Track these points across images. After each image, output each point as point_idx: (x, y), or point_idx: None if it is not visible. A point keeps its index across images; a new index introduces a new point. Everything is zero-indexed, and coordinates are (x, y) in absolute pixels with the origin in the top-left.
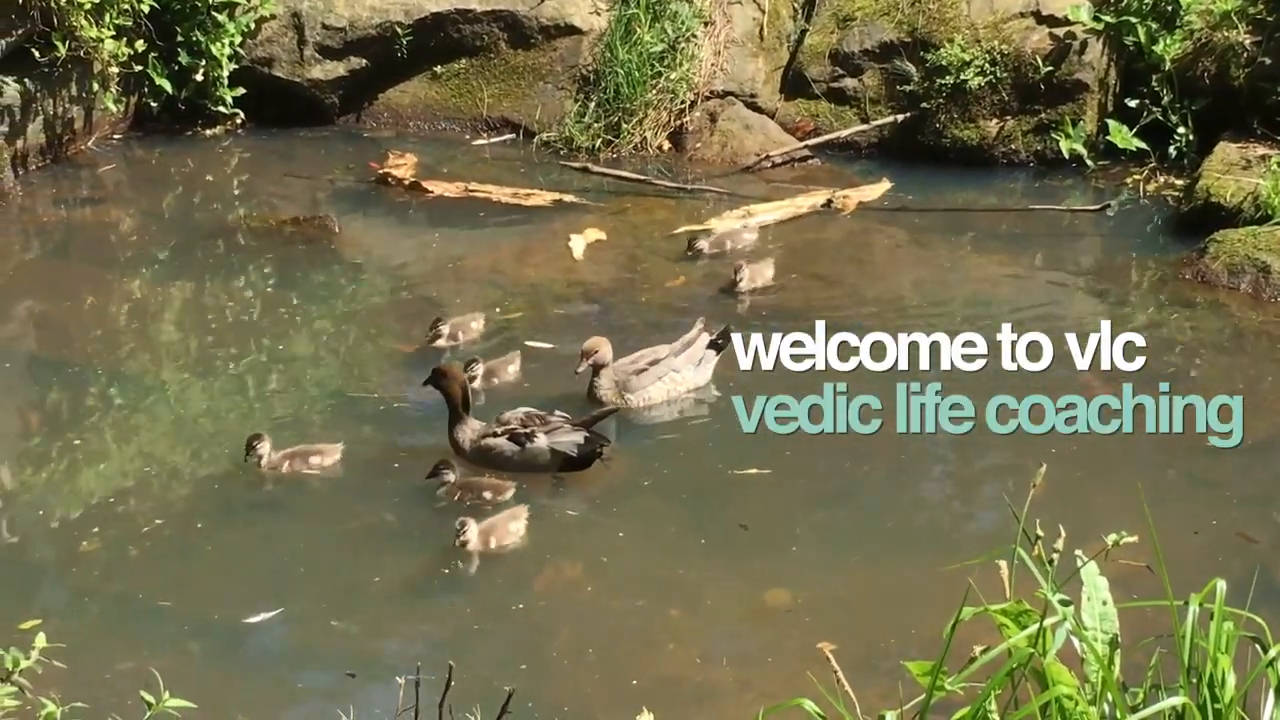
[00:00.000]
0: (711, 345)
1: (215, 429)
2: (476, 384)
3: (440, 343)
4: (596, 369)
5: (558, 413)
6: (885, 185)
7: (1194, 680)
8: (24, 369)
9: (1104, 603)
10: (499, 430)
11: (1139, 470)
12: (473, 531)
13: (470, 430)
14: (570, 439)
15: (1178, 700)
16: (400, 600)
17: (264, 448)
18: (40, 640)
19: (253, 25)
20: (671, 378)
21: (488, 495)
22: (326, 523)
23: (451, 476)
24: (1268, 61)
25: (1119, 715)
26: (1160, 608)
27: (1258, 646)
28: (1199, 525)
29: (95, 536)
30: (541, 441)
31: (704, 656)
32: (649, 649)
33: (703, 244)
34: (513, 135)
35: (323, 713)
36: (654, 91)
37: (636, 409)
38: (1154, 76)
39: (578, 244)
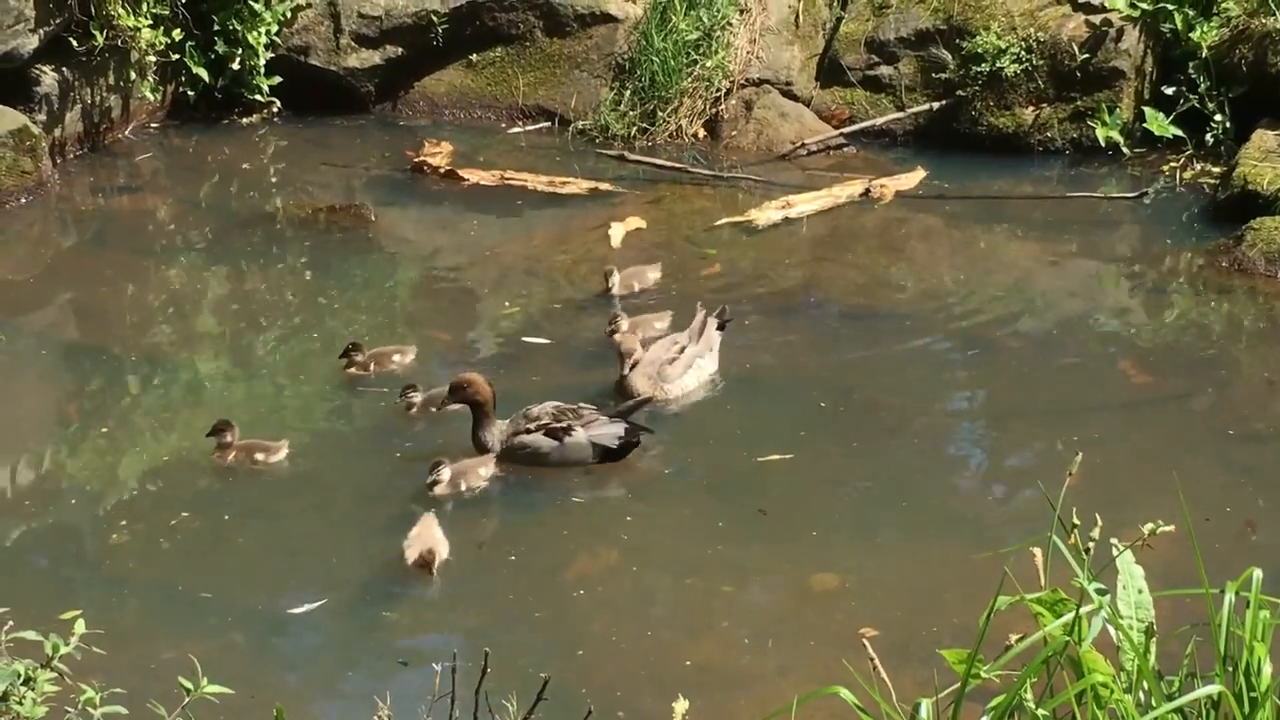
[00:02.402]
0: (719, 327)
1: (249, 418)
2: (414, 412)
3: (353, 370)
4: (630, 366)
5: (584, 405)
6: (920, 174)
7: (1230, 668)
8: (61, 356)
9: (1140, 591)
10: (532, 426)
11: (1172, 457)
12: (445, 473)
13: (498, 430)
14: (609, 430)
15: (1214, 688)
16: (436, 589)
17: (229, 437)
18: (79, 626)
19: (289, 14)
20: (698, 365)
21: (484, 472)
22: (352, 514)
23: (446, 474)
24: None
25: (1155, 703)
26: (1196, 596)
27: None
28: (1232, 513)
29: (124, 529)
30: (580, 435)
31: (737, 642)
32: (686, 635)
33: (613, 281)
34: (548, 123)
35: (362, 699)
36: (689, 79)
37: (675, 399)
38: (1191, 63)
39: (617, 232)
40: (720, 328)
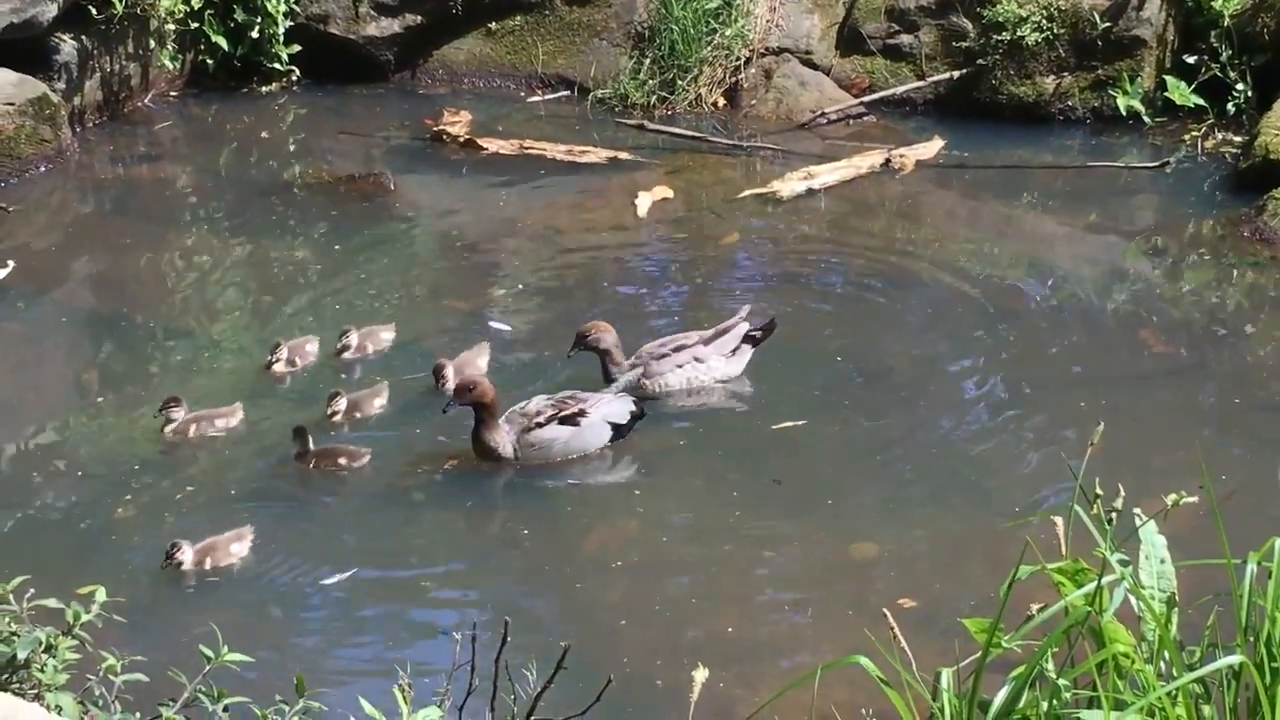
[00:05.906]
0: (749, 338)
1: (263, 389)
2: (338, 419)
3: (279, 368)
4: (600, 353)
5: (574, 391)
6: (939, 143)
7: (1251, 639)
8: (80, 324)
9: (1162, 561)
10: (543, 420)
11: (1192, 427)
12: (187, 554)
13: (504, 433)
14: (620, 407)
15: (1235, 659)
16: (459, 559)
17: (178, 413)
18: (100, 594)
19: None
20: (694, 367)
21: (343, 461)
22: (365, 487)
23: (303, 447)
24: None
25: (1176, 673)
26: (1218, 566)
27: None
28: (1251, 482)
29: (129, 504)
30: (595, 416)
31: (753, 614)
32: (705, 607)
33: (350, 341)
34: (568, 92)
35: (383, 668)
36: (709, 48)
37: (655, 395)
38: (1213, 32)
39: (644, 201)
40: (749, 339)
